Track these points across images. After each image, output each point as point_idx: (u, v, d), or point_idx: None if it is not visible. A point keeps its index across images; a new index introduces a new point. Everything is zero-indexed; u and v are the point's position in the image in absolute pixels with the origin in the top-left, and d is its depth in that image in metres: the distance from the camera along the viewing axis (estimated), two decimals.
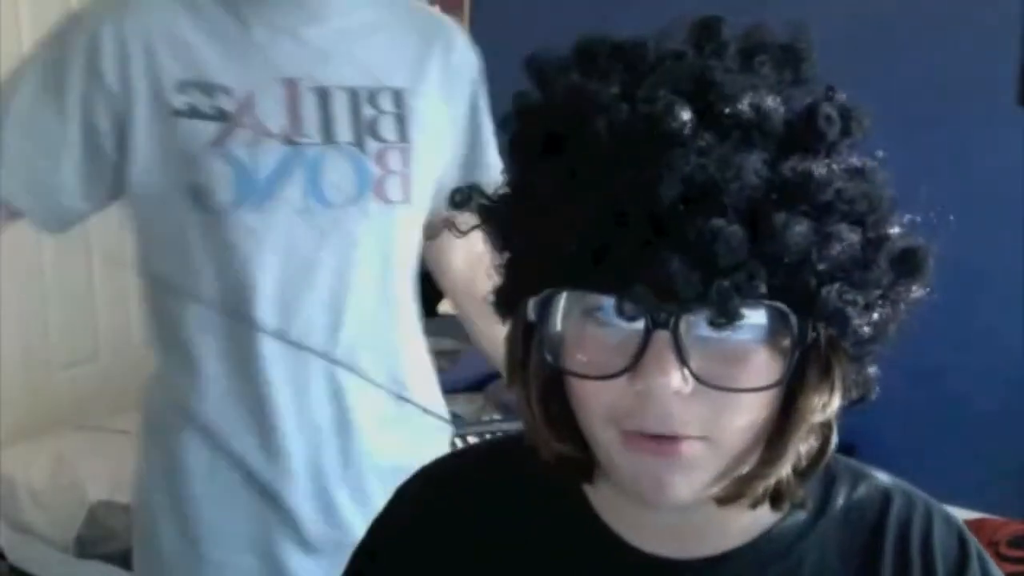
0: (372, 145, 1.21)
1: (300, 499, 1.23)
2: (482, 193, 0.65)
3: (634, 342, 0.57)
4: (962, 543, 0.70)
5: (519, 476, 0.74)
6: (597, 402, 0.60)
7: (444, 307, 3.23)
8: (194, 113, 1.13)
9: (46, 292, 2.86)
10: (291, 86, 1.17)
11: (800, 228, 0.54)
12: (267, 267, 1.17)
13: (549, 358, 0.61)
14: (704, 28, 0.61)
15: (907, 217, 0.61)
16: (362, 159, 1.20)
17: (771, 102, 0.57)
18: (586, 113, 0.57)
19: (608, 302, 0.58)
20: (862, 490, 0.71)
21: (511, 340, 0.66)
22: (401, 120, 1.23)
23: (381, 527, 0.81)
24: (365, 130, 1.21)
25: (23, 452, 2.69)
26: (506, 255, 0.64)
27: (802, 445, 0.63)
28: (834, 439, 0.65)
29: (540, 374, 0.65)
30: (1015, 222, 2.45)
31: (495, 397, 2.53)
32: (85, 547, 2.49)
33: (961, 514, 0.72)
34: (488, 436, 2.33)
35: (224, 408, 1.21)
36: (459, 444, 2.27)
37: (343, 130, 1.19)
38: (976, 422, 2.54)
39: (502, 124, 0.64)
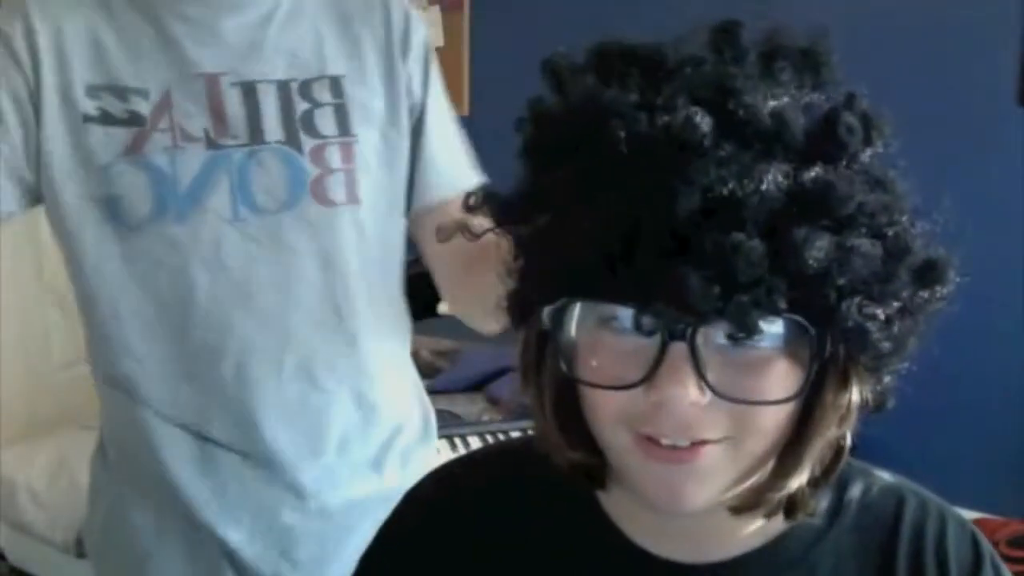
0: (307, 142, 1.09)
1: (246, 539, 1.15)
2: (496, 197, 0.64)
3: (650, 352, 0.56)
4: (976, 548, 0.70)
5: (529, 479, 0.74)
6: (611, 408, 0.60)
7: (444, 307, 3.23)
8: (106, 119, 1.04)
9: (46, 292, 2.85)
10: (212, 83, 1.07)
11: (821, 243, 0.53)
12: (197, 284, 1.07)
13: (564, 368, 0.60)
14: (723, 33, 0.60)
15: (926, 226, 0.60)
16: (296, 158, 1.09)
17: (792, 111, 0.56)
18: (604, 121, 0.56)
19: (623, 311, 0.57)
20: (875, 492, 0.71)
21: (524, 347, 0.66)
22: (342, 111, 1.11)
23: (389, 531, 0.80)
24: (299, 126, 1.09)
25: (23, 452, 2.68)
26: (520, 261, 0.63)
27: (814, 461, 0.63)
28: (848, 447, 0.65)
29: (553, 381, 0.64)
30: (1016, 222, 2.45)
31: (495, 397, 2.53)
32: (85, 547, 2.49)
33: (961, 514, 0.72)
34: (488, 436, 2.32)
35: (167, 444, 1.12)
36: (459, 444, 2.27)
37: (272, 128, 1.08)
38: (976, 422, 2.54)
39: (516, 127, 0.63)
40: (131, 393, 1.12)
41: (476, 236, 0.66)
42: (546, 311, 0.59)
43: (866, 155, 0.58)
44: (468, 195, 0.65)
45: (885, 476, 0.73)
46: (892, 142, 0.60)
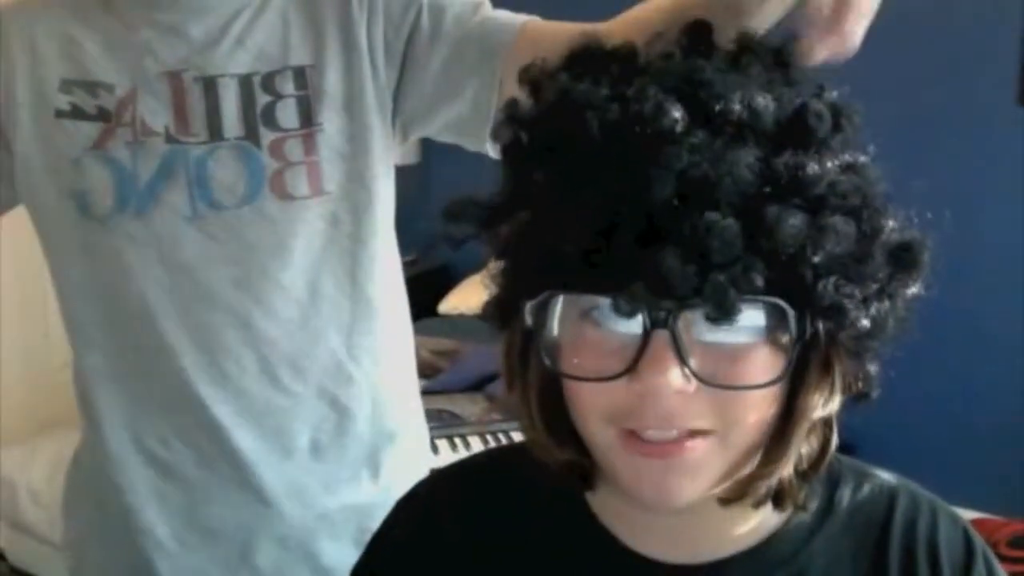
0: (266, 136, 1.06)
1: (203, 544, 1.12)
2: (477, 202, 0.64)
3: (632, 344, 0.57)
4: (967, 542, 0.69)
5: (521, 482, 0.74)
6: (595, 403, 0.60)
7: (444, 307, 3.23)
8: (77, 113, 1.05)
9: (46, 292, 2.85)
10: (175, 79, 1.06)
11: (794, 221, 0.55)
12: (155, 281, 1.06)
13: (547, 362, 0.61)
14: (693, 31, 0.62)
15: (903, 212, 0.61)
16: (254, 153, 1.06)
17: (762, 100, 0.57)
18: (578, 114, 0.57)
19: (604, 303, 0.57)
20: (866, 490, 0.71)
21: (508, 348, 0.66)
22: (305, 102, 1.07)
23: (384, 535, 0.81)
24: (259, 120, 1.06)
25: (23, 452, 2.69)
26: (502, 263, 0.64)
27: (803, 446, 0.63)
28: (834, 440, 0.65)
29: (539, 380, 0.65)
30: (1015, 222, 2.45)
31: (495, 397, 2.53)
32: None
33: (961, 514, 0.72)
34: (488, 436, 2.33)
35: (122, 460, 1.12)
36: (459, 444, 2.27)
37: (232, 124, 1.06)
38: (976, 422, 2.54)
39: (494, 133, 0.64)
40: (93, 398, 1.12)
41: (458, 244, 0.66)
42: (528, 306, 0.60)
43: (836, 141, 0.59)
44: (449, 203, 0.65)
45: (883, 475, 0.73)
46: (861, 130, 0.60)
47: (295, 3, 1.10)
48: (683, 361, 0.56)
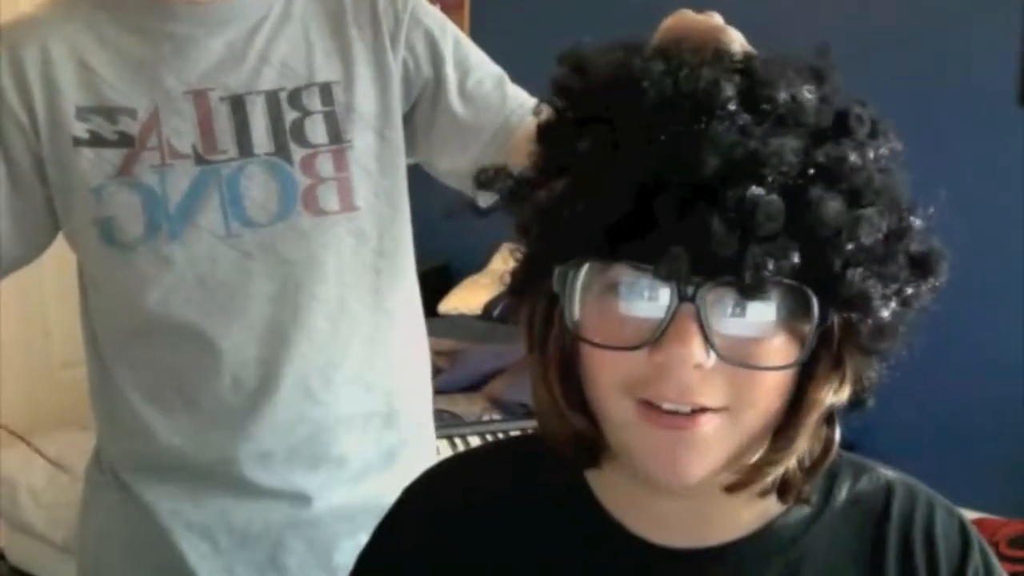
0: (297, 152, 1.07)
1: (234, 547, 1.13)
2: (508, 174, 0.65)
3: (655, 319, 0.58)
4: (964, 534, 0.71)
5: (524, 471, 0.75)
6: (614, 374, 0.61)
7: (444, 307, 3.23)
8: (97, 141, 1.04)
9: (46, 292, 2.86)
10: (201, 98, 1.06)
11: (835, 204, 0.56)
12: (191, 301, 1.06)
13: (571, 326, 0.62)
14: None
15: (927, 222, 0.62)
16: (286, 169, 1.07)
17: (806, 93, 0.59)
18: (634, 85, 0.59)
19: (630, 278, 0.59)
20: (864, 484, 0.72)
21: (531, 314, 0.67)
22: (332, 118, 1.09)
23: (386, 528, 0.81)
24: (289, 136, 1.07)
25: (23, 452, 2.69)
26: (533, 231, 0.64)
27: (807, 443, 0.64)
28: (837, 439, 0.66)
29: (558, 350, 0.65)
30: (1015, 223, 2.45)
31: (494, 397, 2.54)
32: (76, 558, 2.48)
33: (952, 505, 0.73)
34: (488, 436, 2.33)
35: (155, 477, 1.13)
36: (459, 444, 2.27)
37: (261, 140, 1.07)
38: (976, 422, 2.54)
39: (534, 110, 0.65)
40: (130, 404, 1.12)
41: (485, 213, 0.67)
42: (558, 271, 0.61)
43: (872, 147, 0.61)
44: (479, 171, 0.67)
45: (882, 470, 0.74)
46: (897, 146, 0.62)
47: (315, 21, 1.12)
48: (706, 336, 0.57)
